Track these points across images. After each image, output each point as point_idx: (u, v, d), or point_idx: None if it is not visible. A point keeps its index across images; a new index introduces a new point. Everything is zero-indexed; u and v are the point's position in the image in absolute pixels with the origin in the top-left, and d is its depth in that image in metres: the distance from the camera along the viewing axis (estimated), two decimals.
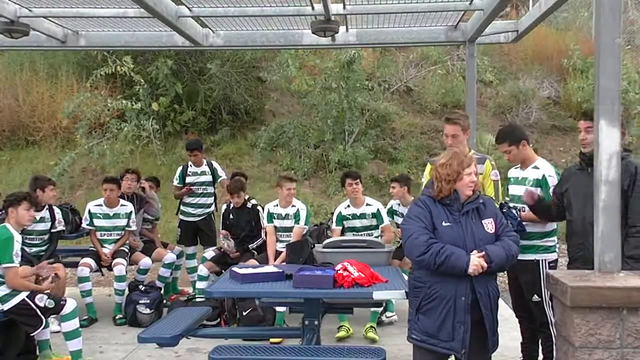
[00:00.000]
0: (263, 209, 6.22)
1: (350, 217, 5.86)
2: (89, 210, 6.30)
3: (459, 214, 3.25)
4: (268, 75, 11.52)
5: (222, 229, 6.42)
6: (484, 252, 3.15)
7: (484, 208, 3.33)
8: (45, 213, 5.81)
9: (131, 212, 6.29)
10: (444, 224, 3.24)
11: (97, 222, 6.25)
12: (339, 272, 3.81)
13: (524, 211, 4.05)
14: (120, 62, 10.23)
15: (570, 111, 12.42)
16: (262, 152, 11.03)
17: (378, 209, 5.88)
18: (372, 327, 5.46)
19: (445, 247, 3.14)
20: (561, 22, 14.35)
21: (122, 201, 6.33)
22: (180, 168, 7.11)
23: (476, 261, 3.12)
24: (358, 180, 5.85)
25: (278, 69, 11.05)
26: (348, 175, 5.93)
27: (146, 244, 6.65)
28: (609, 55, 2.92)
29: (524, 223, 4.01)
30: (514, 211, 3.98)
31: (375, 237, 5.69)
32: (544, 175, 4.07)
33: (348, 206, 5.90)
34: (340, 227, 5.85)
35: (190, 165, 6.98)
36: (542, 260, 3.95)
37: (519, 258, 4.01)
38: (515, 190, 4.23)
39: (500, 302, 6.22)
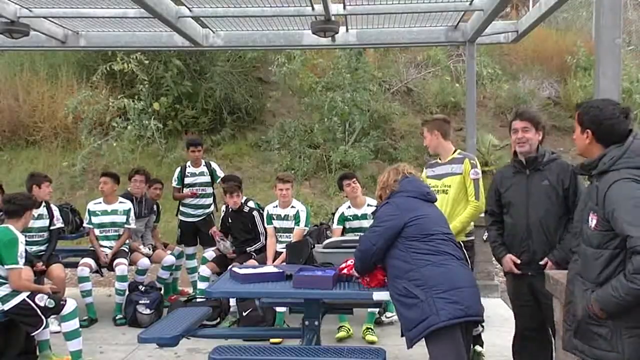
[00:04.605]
0: (262, 210, 6.21)
1: (351, 217, 5.82)
2: (89, 209, 6.32)
3: None
4: (275, 69, 11.30)
5: (221, 231, 6.42)
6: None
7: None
8: (42, 210, 5.80)
9: (130, 209, 6.28)
10: None
11: (95, 219, 6.25)
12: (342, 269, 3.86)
13: None
14: (127, 59, 10.24)
15: (570, 111, 12.39)
16: (270, 151, 11.07)
17: None
18: (369, 328, 5.43)
19: None
20: (561, 23, 14.37)
21: (120, 198, 6.34)
22: (178, 169, 7.10)
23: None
24: (355, 179, 5.83)
25: (284, 63, 10.97)
26: (344, 177, 5.91)
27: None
28: (609, 56, 2.93)
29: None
30: None
31: None
32: None
33: (349, 207, 5.87)
34: (341, 227, 5.82)
35: (189, 166, 6.98)
36: None
37: None
38: None
39: (501, 302, 6.29)
